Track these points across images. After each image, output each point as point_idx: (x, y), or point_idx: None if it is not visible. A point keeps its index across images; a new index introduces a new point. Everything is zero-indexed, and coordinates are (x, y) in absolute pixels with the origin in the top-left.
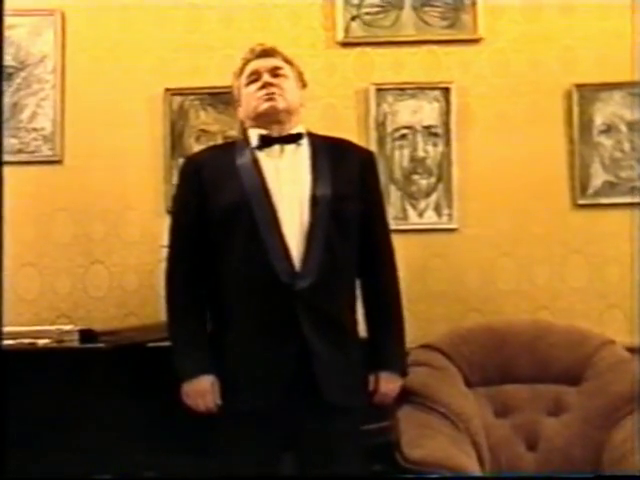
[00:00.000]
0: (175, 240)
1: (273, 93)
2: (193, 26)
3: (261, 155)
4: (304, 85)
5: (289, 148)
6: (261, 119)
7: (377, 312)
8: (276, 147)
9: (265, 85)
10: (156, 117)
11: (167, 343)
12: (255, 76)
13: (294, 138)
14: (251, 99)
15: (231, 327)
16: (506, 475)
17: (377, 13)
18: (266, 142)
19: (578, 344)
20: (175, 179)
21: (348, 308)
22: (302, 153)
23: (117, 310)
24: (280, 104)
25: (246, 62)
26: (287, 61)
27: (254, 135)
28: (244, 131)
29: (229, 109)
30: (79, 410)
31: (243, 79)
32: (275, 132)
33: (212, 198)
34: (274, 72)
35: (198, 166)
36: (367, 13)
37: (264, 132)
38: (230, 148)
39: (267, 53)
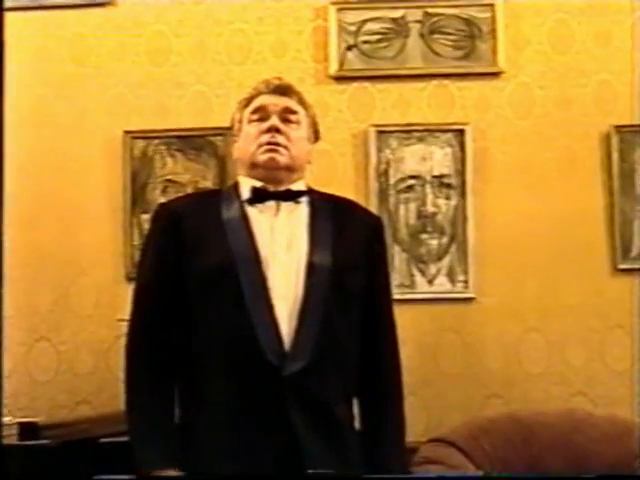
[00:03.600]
0: (139, 306)
1: (278, 144)
2: (159, 57)
3: (252, 211)
4: (317, 138)
5: (286, 205)
6: (257, 170)
7: (373, 404)
8: (271, 203)
9: (271, 130)
10: (114, 165)
11: (126, 438)
12: (262, 114)
13: (293, 195)
14: (251, 142)
15: (204, 414)
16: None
17: (378, 42)
18: (260, 197)
19: (621, 438)
20: (137, 238)
21: (345, 398)
22: (300, 213)
23: (66, 397)
24: (283, 159)
25: (256, 95)
26: (304, 105)
27: (246, 186)
28: (235, 183)
29: (202, 155)
30: None
31: (247, 113)
32: (271, 186)
33: (190, 257)
34: (285, 116)
35: (175, 215)
36: (366, 42)
37: (258, 184)
38: (215, 198)
39: (282, 90)
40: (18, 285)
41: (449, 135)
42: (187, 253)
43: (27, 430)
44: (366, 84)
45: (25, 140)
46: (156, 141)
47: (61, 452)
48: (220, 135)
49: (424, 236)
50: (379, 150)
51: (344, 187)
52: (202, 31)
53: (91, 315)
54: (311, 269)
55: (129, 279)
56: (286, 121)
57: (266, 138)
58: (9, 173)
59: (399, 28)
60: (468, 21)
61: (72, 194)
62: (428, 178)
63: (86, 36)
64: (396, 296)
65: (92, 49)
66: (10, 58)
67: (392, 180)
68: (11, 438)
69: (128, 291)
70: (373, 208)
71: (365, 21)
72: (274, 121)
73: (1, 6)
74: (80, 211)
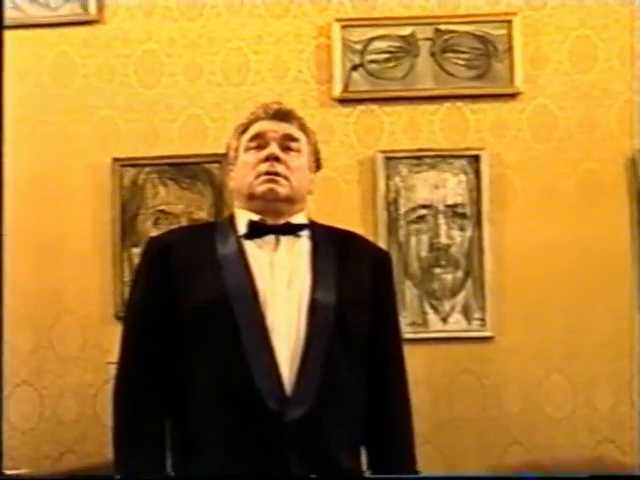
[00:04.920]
0: (127, 347)
1: (277, 173)
2: (149, 78)
3: (250, 245)
4: (319, 167)
5: (286, 240)
6: (255, 202)
7: (383, 454)
8: (270, 237)
9: (270, 158)
10: (102, 195)
11: None
12: (261, 141)
13: (293, 229)
14: (248, 172)
15: (198, 464)
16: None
17: (386, 61)
18: (257, 231)
19: None
20: (127, 274)
21: (352, 447)
22: (301, 247)
23: (50, 447)
24: (283, 190)
25: (254, 120)
26: (305, 131)
27: (243, 219)
28: (230, 215)
29: (196, 184)
30: None
31: (244, 140)
32: (270, 219)
33: (182, 294)
34: (285, 143)
35: (166, 249)
36: (373, 61)
37: (256, 218)
38: (209, 231)
39: (282, 116)
40: None
41: (463, 161)
42: (179, 290)
43: None
44: (373, 107)
45: (4, 168)
46: (147, 169)
47: None
48: (216, 162)
49: (437, 270)
50: (388, 178)
51: (350, 218)
52: (196, 50)
53: (76, 357)
54: (314, 307)
55: (118, 318)
56: (286, 149)
57: (265, 167)
58: None
59: (408, 46)
60: (483, 38)
61: (56, 226)
62: (441, 207)
63: (70, 55)
64: (407, 335)
65: (77, 69)
66: None
67: (402, 210)
68: None
69: (117, 331)
70: (382, 240)
71: (372, 39)
72: (273, 149)
73: (1, 6)
74: (64, 245)
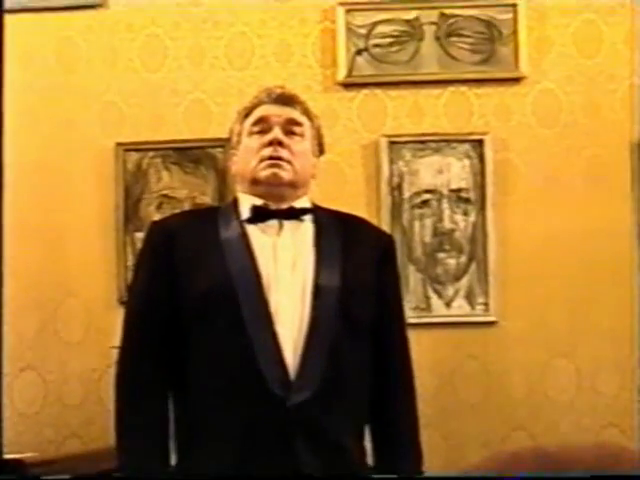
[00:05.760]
0: (129, 332)
1: (280, 158)
2: (153, 63)
3: (253, 230)
4: (322, 151)
5: (289, 224)
6: (258, 186)
7: (386, 438)
8: (273, 222)
9: (273, 143)
10: (105, 179)
11: (119, 475)
12: (264, 126)
13: (297, 213)
14: (251, 156)
15: (203, 449)
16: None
17: (390, 45)
18: (260, 215)
19: None
20: (130, 259)
21: (355, 431)
22: (305, 231)
23: (54, 431)
24: (286, 175)
25: (257, 104)
26: (308, 115)
27: (246, 204)
28: (234, 200)
29: (200, 168)
30: None
31: (247, 124)
32: (273, 204)
33: (186, 279)
34: (288, 127)
35: (169, 234)
36: (377, 45)
37: (259, 202)
38: (211, 216)
39: (286, 100)
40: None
41: (467, 146)
42: (182, 275)
43: (12, 468)
44: (377, 91)
45: (5, 152)
46: (151, 153)
47: None
48: (220, 147)
49: (441, 255)
50: (391, 162)
51: (354, 202)
52: (200, 34)
53: (80, 342)
54: (318, 291)
55: (122, 303)
56: (289, 133)
57: (268, 152)
58: None
59: (413, 31)
60: (487, 23)
61: (59, 211)
62: (445, 192)
63: (75, 40)
64: (411, 320)
65: (81, 54)
66: None
67: (406, 195)
68: None
69: (121, 316)
70: (385, 225)
71: (376, 23)
72: (276, 133)
73: (1, 6)
74: (68, 230)
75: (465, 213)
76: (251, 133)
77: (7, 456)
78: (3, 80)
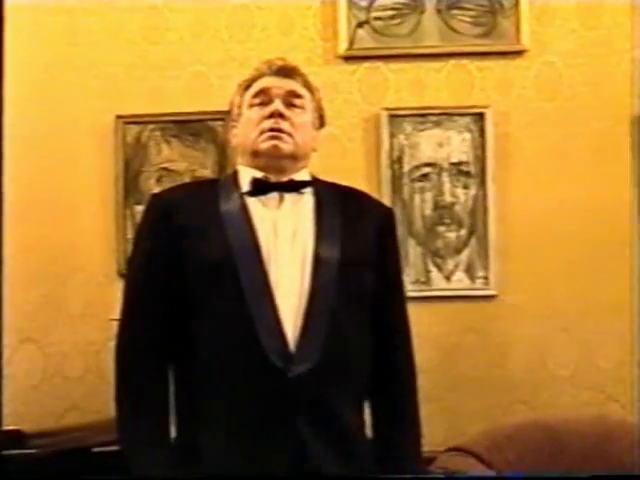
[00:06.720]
0: (129, 305)
1: (281, 130)
2: (154, 35)
3: (253, 202)
4: (322, 124)
5: (290, 197)
6: (258, 159)
7: (385, 410)
8: (274, 194)
9: (274, 115)
10: (105, 152)
11: (119, 447)
12: (264, 97)
13: (297, 186)
14: (251, 128)
15: (203, 422)
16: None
17: (391, 18)
18: (261, 188)
19: None
20: (130, 232)
21: (355, 402)
22: (305, 204)
23: (54, 403)
24: (286, 147)
25: (258, 76)
26: (309, 88)
27: (246, 177)
28: (234, 172)
29: (200, 141)
30: None
31: (248, 96)
32: (273, 176)
33: (186, 252)
34: (289, 100)
35: (169, 207)
36: (378, 18)
37: (259, 175)
38: (212, 188)
39: (286, 72)
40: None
41: (468, 119)
42: (182, 247)
43: (12, 439)
44: (378, 64)
45: (9, 126)
46: (151, 126)
47: (49, 463)
48: (220, 120)
49: (441, 228)
50: (392, 135)
51: (354, 175)
52: (201, 6)
53: (81, 314)
54: (317, 263)
55: (122, 276)
56: (290, 105)
57: (268, 124)
58: None
59: (414, 3)
60: None
61: (59, 184)
62: (445, 166)
63: (74, 12)
64: (410, 293)
65: (80, 26)
66: None
67: (406, 168)
68: None
69: (121, 288)
70: (385, 198)
71: None
72: (277, 105)
73: (1, 6)
74: (68, 203)
75: (465, 187)
76: (252, 105)
77: (7, 427)
78: (4, 54)
